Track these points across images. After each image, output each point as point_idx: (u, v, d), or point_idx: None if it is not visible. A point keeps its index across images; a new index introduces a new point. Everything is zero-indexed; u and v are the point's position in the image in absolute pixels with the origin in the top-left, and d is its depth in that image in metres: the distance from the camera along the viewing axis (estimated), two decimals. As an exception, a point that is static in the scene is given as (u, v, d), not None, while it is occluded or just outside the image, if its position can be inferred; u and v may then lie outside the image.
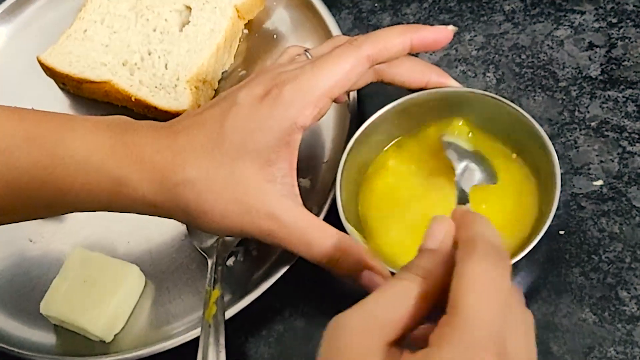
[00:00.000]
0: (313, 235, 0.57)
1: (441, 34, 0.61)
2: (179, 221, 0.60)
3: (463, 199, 0.58)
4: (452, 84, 0.64)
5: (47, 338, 0.67)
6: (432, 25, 0.72)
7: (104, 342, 0.65)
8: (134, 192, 0.57)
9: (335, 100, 0.60)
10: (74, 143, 0.57)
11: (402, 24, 0.76)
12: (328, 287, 0.65)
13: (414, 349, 0.42)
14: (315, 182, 0.69)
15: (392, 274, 0.57)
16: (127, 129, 0.59)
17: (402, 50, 0.60)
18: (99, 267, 0.67)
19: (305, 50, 0.63)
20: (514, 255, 0.57)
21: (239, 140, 0.56)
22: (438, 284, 0.44)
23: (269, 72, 0.59)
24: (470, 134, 0.64)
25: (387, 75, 0.64)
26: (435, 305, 0.43)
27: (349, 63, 0.58)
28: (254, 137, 0.56)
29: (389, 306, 0.43)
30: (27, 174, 0.56)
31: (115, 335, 0.66)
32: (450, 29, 0.62)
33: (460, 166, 0.61)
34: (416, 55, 0.71)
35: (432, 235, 0.47)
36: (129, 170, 0.56)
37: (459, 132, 0.64)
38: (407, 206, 0.63)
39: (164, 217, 0.59)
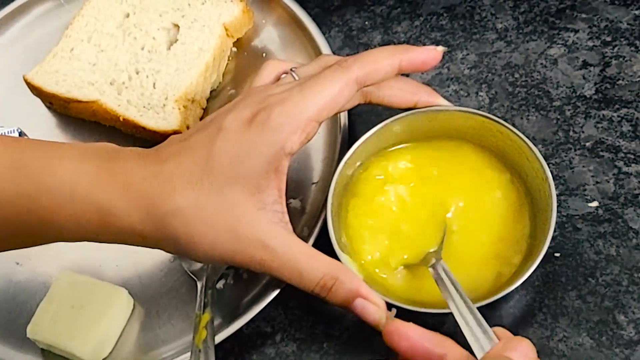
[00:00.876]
0: (305, 265, 0.56)
1: (430, 54, 0.60)
2: (168, 252, 0.59)
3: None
4: (442, 104, 0.63)
5: (35, 363, 0.66)
6: (423, 43, 0.73)
7: (92, 366, 0.64)
8: (121, 222, 0.55)
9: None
10: (60, 172, 0.56)
11: (393, 42, 0.75)
12: (319, 312, 0.64)
13: None
14: (306, 203, 0.68)
15: (387, 303, 0.56)
16: (113, 156, 0.57)
17: (390, 71, 0.59)
18: (86, 290, 0.66)
19: (291, 69, 0.62)
20: (510, 281, 0.56)
21: (227, 166, 0.55)
22: None
23: (256, 95, 0.58)
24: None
25: (375, 96, 0.63)
26: None
27: (338, 86, 0.57)
28: (243, 164, 0.55)
29: None
30: (11, 203, 0.55)
31: (103, 360, 0.65)
32: (440, 49, 0.61)
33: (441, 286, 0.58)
34: (407, 75, 0.71)
35: (525, 355, 0.48)
36: (116, 199, 0.55)
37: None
38: (395, 224, 0.62)
39: (152, 248, 0.58)
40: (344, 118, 0.69)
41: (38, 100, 0.78)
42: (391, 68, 0.59)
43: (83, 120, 0.76)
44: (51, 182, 0.55)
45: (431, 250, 0.60)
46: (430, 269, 0.57)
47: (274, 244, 0.55)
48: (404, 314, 0.55)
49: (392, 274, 0.61)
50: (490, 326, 0.51)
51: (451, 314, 0.53)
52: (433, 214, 0.62)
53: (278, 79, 0.62)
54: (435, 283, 0.56)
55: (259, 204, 0.56)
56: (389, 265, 0.61)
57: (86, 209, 0.55)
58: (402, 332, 0.50)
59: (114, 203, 0.55)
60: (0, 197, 0.55)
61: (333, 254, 0.59)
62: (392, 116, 0.63)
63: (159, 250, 0.67)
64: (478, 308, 0.53)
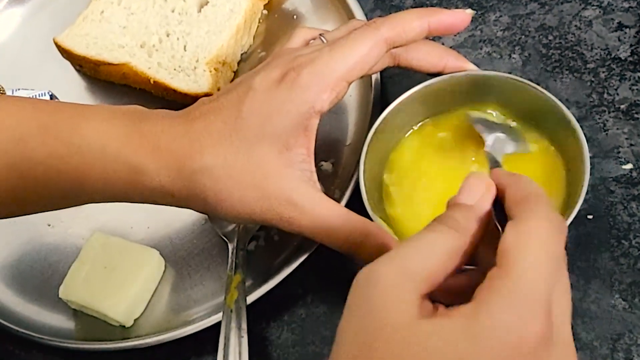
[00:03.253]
0: (334, 221, 0.56)
1: (459, 17, 0.60)
2: (197, 211, 0.59)
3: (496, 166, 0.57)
4: (469, 68, 0.63)
5: (67, 323, 0.67)
6: (456, 6, 0.72)
7: (124, 326, 0.65)
8: (151, 181, 0.56)
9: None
10: (90, 132, 0.56)
11: (425, 5, 0.74)
12: (349, 273, 0.63)
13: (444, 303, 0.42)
14: (338, 165, 0.68)
15: None
16: (142, 117, 0.57)
17: (419, 33, 0.58)
18: (118, 252, 0.66)
19: (320, 35, 0.62)
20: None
21: (256, 124, 0.55)
22: (472, 240, 0.43)
23: (285, 56, 0.58)
24: (496, 114, 0.63)
25: (403, 59, 0.62)
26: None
27: (367, 46, 0.57)
28: (272, 122, 0.55)
29: (422, 258, 0.42)
30: (42, 164, 0.56)
31: (135, 320, 0.65)
32: (469, 12, 0.60)
33: (489, 137, 0.59)
34: (437, 39, 0.70)
35: (468, 190, 0.46)
36: (146, 158, 0.55)
37: (486, 112, 0.63)
38: (431, 187, 0.62)
39: (182, 207, 0.58)
40: (376, 81, 0.69)
41: (68, 64, 0.79)
42: (420, 29, 0.58)
43: (113, 83, 0.77)
44: (81, 142, 0.56)
45: None
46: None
47: (302, 202, 0.55)
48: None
49: None
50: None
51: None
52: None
53: (307, 44, 0.62)
54: None
55: (287, 162, 0.56)
56: None
57: (116, 168, 0.56)
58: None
59: (143, 162, 0.55)
60: (31, 158, 0.56)
61: (366, 217, 0.58)
62: (426, 80, 0.63)
63: (190, 212, 0.68)
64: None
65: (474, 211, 0.45)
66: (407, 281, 0.41)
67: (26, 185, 0.56)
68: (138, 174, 0.56)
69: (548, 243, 0.41)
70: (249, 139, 0.55)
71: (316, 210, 0.56)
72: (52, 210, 0.61)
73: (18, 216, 0.61)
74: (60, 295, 0.66)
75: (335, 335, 0.42)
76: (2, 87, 0.73)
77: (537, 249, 0.40)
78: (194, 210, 0.59)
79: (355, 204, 0.60)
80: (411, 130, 0.65)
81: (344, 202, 0.64)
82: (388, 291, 0.40)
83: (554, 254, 0.41)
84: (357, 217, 0.57)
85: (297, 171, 0.56)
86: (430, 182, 0.62)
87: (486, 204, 0.45)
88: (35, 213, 0.61)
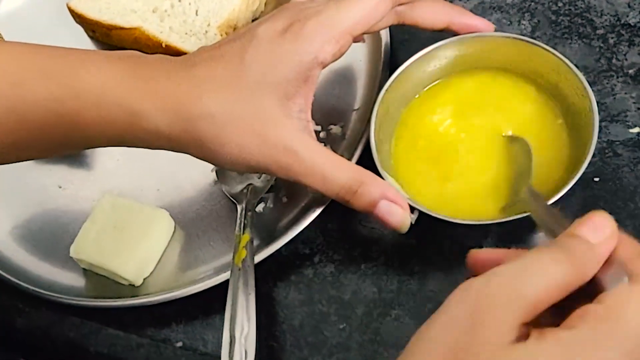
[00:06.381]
0: (330, 169, 0.56)
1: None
2: (194, 155, 0.58)
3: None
4: (475, 23, 0.63)
5: (77, 282, 0.68)
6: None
7: (133, 285, 0.65)
8: (148, 124, 0.56)
9: (354, 40, 0.59)
10: (89, 76, 0.56)
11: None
12: (357, 234, 0.64)
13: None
14: (346, 129, 0.68)
15: (412, 208, 0.57)
16: (141, 62, 0.58)
17: None
18: (128, 212, 0.67)
19: None
20: (547, 198, 0.56)
21: (259, 73, 0.56)
22: (583, 279, 0.41)
23: (292, 8, 0.59)
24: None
25: (408, 17, 0.62)
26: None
27: (374, 1, 0.57)
28: (274, 70, 0.56)
29: (535, 282, 0.40)
30: (42, 107, 0.56)
31: (144, 279, 0.66)
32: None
33: None
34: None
35: (593, 228, 0.43)
36: (144, 101, 0.56)
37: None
38: (439, 147, 0.63)
39: (178, 152, 0.58)
40: (386, 45, 0.69)
41: (80, 29, 0.79)
42: None
43: (125, 49, 0.77)
44: (79, 85, 0.56)
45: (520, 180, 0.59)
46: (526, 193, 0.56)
47: (299, 149, 0.56)
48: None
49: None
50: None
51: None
52: (482, 143, 0.63)
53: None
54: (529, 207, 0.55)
55: (286, 111, 0.56)
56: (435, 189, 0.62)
57: (113, 110, 0.56)
58: (481, 257, 0.46)
59: (141, 105, 0.56)
60: (31, 101, 0.56)
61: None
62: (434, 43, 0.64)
63: (199, 175, 0.69)
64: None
65: (594, 252, 0.42)
66: (515, 304, 0.40)
67: (25, 128, 0.56)
68: (136, 116, 0.56)
69: None
70: (250, 86, 0.56)
71: (313, 157, 0.56)
72: (48, 157, 0.61)
73: (16, 162, 0.61)
74: (71, 255, 0.66)
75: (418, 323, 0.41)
76: (1, 34, 0.74)
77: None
78: (191, 154, 0.58)
79: (364, 164, 0.61)
80: (421, 91, 0.65)
81: (353, 162, 0.64)
82: (494, 312, 0.39)
83: None
84: (353, 165, 0.58)
85: (295, 120, 0.57)
86: (439, 142, 0.63)
87: (607, 250, 0.42)
88: (32, 159, 0.61)
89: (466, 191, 0.61)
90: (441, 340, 0.40)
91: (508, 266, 0.41)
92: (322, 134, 0.68)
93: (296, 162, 0.56)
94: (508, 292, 0.40)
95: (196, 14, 0.74)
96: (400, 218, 0.57)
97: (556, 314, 0.41)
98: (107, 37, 0.77)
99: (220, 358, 0.57)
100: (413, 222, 0.58)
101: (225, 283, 0.61)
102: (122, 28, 0.75)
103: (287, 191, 0.67)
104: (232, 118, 0.55)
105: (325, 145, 0.66)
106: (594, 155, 0.57)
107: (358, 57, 0.70)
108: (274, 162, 0.56)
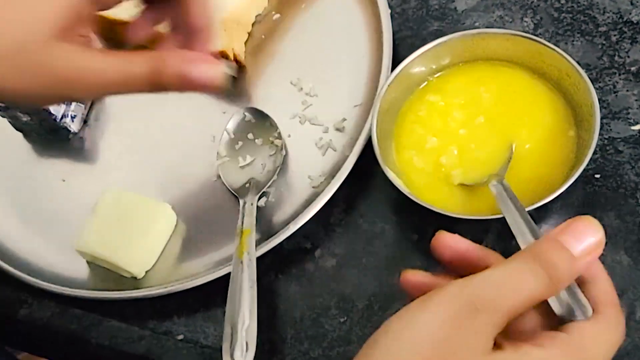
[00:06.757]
0: (121, 68, 0.50)
1: None
2: None
3: None
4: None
5: (80, 274, 0.68)
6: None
7: (135, 278, 0.66)
8: None
9: None
10: None
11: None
12: (358, 229, 0.64)
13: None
14: (348, 124, 0.68)
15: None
16: None
17: None
18: (131, 206, 0.67)
19: None
20: (549, 194, 0.56)
21: None
22: (556, 292, 0.42)
23: None
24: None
25: None
26: None
27: None
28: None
29: (509, 292, 0.41)
30: None
31: (146, 272, 0.66)
32: None
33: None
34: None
35: (578, 235, 0.43)
36: None
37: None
38: (443, 145, 0.63)
39: None
40: (388, 41, 0.69)
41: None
42: None
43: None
44: None
45: (493, 172, 0.60)
46: (492, 186, 0.57)
47: (73, 71, 0.49)
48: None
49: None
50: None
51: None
52: (485, 136, 0.63)
53: None
54: (496, 199, 0.55)
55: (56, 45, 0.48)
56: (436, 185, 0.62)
57: None
58: (447, 243, 0.48)
59: None
60: None
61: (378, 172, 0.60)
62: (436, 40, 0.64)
63: (202, 169, 0.70)
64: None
65: (573, 267, 0.42)
66: (496, 315, 0.41)
67: None
68: None
69: (614, 341, 0.42)
70: None
71: (93, 68, 0.49)
72: None
73: None
74: (75, 248, 0.67)
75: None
76: None
77: (603, 334, 0.42)
78: None
79: (367, 163, 0.61)
80: (422, 85, 0.65)
81: (354, 157, 0.64)
82: (477, 320, 0.40)
83: (613, 345, 0.42)
84: (142, 53, 0.51)
85: (65, 44, 0.49)
86: (441, 138, 0.63)
87: (588, 263, 0.43)
88: None
89: (468, 187, 0.61)
90: (420, 344, 0.41)
91: (492, 274, 0.42)
92: (324, 130, 0.68)
93: (78, 82, 0.49)
94: (491, 303, 0.41)
95: (200, 9, 0.74)
96: (212, 73, 0.51)
97: None
98: (110, 32, 0.77)
99: (221, 351, 0.57)
100: (233, 74, 0.53)
101: (227, 276, 0.61)
102: (126, 22, 0.74)
103: (289, 186, 0.67)
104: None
105: (327, 142, 0.67)
106: (595, 152, 0.57)
107: (361, 54, 0.71)
108: (57, 95, 0.51)
